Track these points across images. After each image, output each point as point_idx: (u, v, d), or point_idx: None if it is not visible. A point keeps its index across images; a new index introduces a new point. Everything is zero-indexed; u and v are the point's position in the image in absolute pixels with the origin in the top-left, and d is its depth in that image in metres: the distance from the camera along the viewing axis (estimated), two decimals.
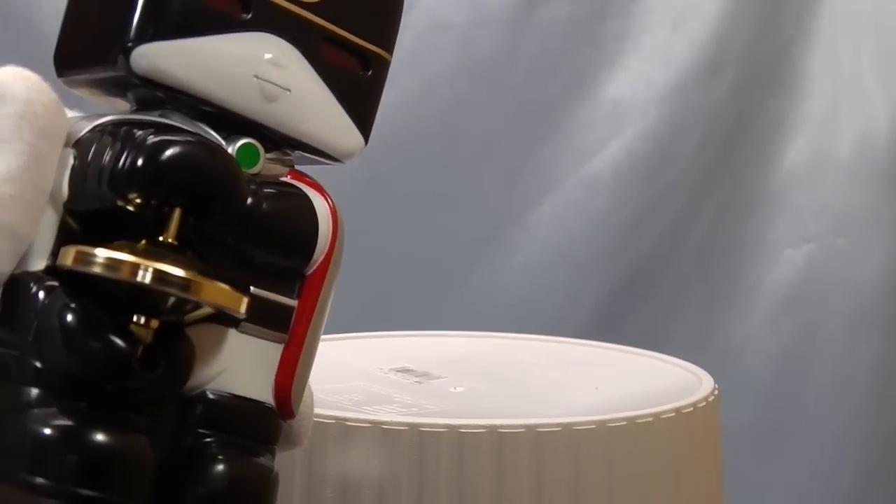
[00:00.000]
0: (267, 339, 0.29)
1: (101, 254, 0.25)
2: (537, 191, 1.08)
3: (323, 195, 0.30)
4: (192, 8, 0.27)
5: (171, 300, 0.26)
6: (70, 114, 0.28)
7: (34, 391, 0.26)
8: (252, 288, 0.28)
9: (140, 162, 0.26)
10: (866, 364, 1.06)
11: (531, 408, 0.40)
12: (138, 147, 0.26)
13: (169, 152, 0.26)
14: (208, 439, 0.27)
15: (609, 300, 1.10)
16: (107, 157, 0.26)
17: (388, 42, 0.31)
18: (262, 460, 0.28)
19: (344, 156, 0.31)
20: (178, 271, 0.25)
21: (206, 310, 0.27)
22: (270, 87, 0.28)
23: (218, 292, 0.26)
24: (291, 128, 0.29)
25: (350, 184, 1.04)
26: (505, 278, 1.08)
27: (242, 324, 0.28)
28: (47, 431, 0.25)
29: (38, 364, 0.26)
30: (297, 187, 0.29)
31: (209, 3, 0.28)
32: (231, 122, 0.28)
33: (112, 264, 0.25)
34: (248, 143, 0.28)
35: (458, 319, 0.96)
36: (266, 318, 0.29)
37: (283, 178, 0.29)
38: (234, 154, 0.28)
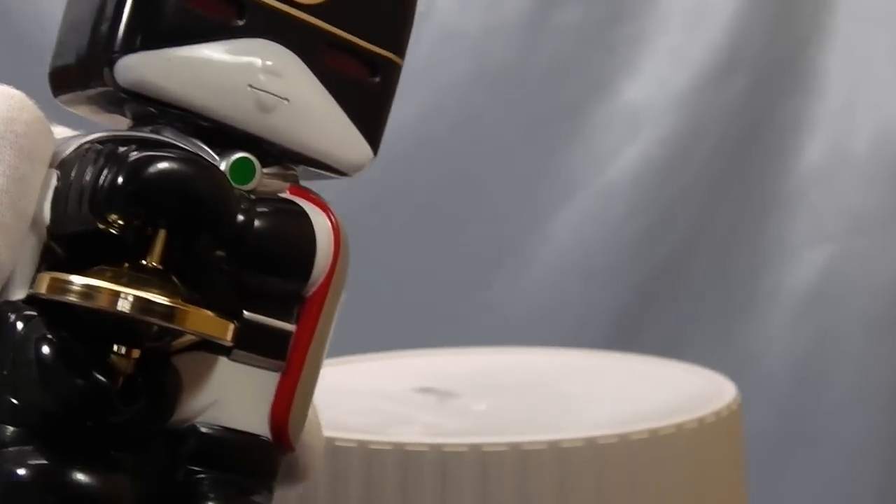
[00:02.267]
0: (263, 368, 0.26)
1: (77, 281, 0.24)
2: (554, 200, 1.08)
3: (325, 212, 0.27)
4: (182, 15, 0.26)
5: (154, 329, 0.24)
6: (60, 132, 0.27)
7: (10, 429, 0.24)
8: (246, 313, 0.26)
9: (120, 180, 0.24)
10: (888, 366, 1.05)
11: (553, 422, 0.40)
12: (119, 164, 0.24)
13: (151, 169, 0.24)
14: (200, 476, 0.25)
15: (628, 308, 1.09)
16: (87, 175, 0.25)
17: (400, 45, 0.29)
18: (259, 498, 0.26)
19: (350, 168, 0.28)
20: (160, 299, 0.24)
21: (191, 337, 0.25)
22: (266, 96, 0.26)
23: (204, 320, 0.24)
24: (291, 140, 0.27)
25: (364, 198, 1.05)
26: (523, 290, 1.08)
27: (235, 351, 0.26)
28: (22, 472, 0.24)
29: (13, 400, 0.24)
30: (295, 203, 0.27)
31: (199, 9, 0.26)
32: (227, 136, 0.26)
33: (88, 292, 0.23)
34: (243, 157, 0.26)
35: (477, 334, 0.96)
36: (261, 345, 0.26)
37: (283, 195, 0.27)
38: (226, 170, 0.26)
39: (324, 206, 0.27)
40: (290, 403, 0.27)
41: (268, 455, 0.26)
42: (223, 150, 0.26)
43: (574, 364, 0.50)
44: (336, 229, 0.27)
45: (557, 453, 0.34)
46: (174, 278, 0.24)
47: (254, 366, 0.26)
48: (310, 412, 0.28)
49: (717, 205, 1.10)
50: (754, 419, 0.84)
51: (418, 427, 0.38)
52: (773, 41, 1.09)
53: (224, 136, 0.26)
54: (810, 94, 1.08)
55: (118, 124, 0.27)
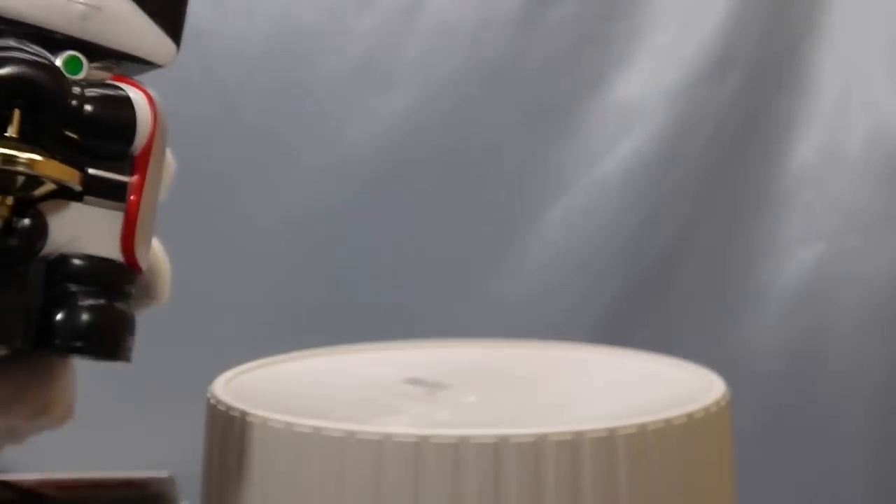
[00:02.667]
0: (110, 209, 0.36)
1: None
2: (547, 194, 1.08)
3: (142, 91, 0.37)
4: None
5: (20, 179, 0.34)
6: None
7: None
8: (90, 170, 0.35)
9: None
10: (880, 364, 1.05)
11: (543, 416, 0.40)
12: None
13: (5, 67, 0.34)
14: (71, 290, 0.35)
15: (619, 303, 1.10)
16: None
17: None
18: (119, 305, 0.36)
19: (159, 61, 0.38)
20: (22, 154, 0.33)
21: (49, 186, 0.35)
22: (82, 7, 0.36)
23: (54, 168, 0.34)
24: (107, 40, 0.36)
25: (358, 190, 1.05)
26: (515, 284, 1.08)
27: (86, 198, 0.36)
28: None
29: None
30: (117, 86, 0.36)
31: None
32: (60, 41, 0.36)
33: None
34: (72, 55, 0.36)
35: (468, 327, 0.96)
36: (106, 193, 0.36)
37: (106, 80, 0.36)
38: (61, 65, 0.36)
39: (141, 87, 0.37)
40: (133, 234, 0.36)
41: (121, 274, 0.36)
42: (57, 51, 0.36)
43: (564, 358, 0.50)
44: (151, 101, 0.36)
45: (546, 447, 0.34)
46: (30, 143, 0.33)
47: (103, 208, 0.36)
48: (157, 250, 0.39)
49: (710, 202, 1.10)
50: (744, 416, 0.84)
51: (407, 418, 0.38)
52: (766, 39, 1.09)
53: (57, 41, 0.36)
54: (803, 93, 1.08)
55: None
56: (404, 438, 0.34)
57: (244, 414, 0.37)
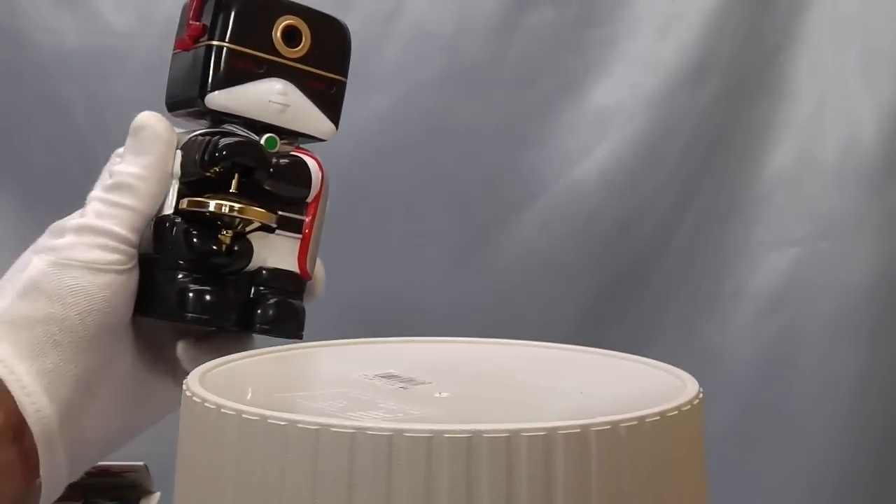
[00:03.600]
0: (290, 238, 0.56)
1: (205, 201, 0.53)
2: (523, 196, 1.08)
3: (314, 158, 0.56)
4: (234, 71, 0.54)
5: (238, 221, 0.53)
6: (177, 130, 0.55)
7: (178, 272, 0.53)
8: (280, 212, 0.55)
9: (214, 151, 0.53)
10: (850, 368, 1.06)
11: (516, 413, 0.40)
12: (214, 144, 0.53)
13: (229, 145, 0.53)
14: (264, 291, 0.55)
15: (593, 304, 1.10)
16: (198, 151, 0.53)
17: (344, 70, 0.58)
18: (296, 301, 0.56)
19: (324, 137, 0.58)
20: (238, 205, 0.53)
21: (255, 224, 0.54)
22: (279, 106, 0.55)
23: (260, 214, 0.54)
24: (293, 126, 0.56)
25: (337, 190, 1.05)
26: (489, 283, 1.08)
27: (277, 231, 0.55)
28: (183, 286, 0.53)
29: (180, 261, 0.53)
30: (298, 156, 0.56)
31: (242, 67, 0.54)
32: (262, 127, 0.55)
33: (209, 204, 0.53)
34: (270, 136, 0.55)
35: (443, 324, 0.95)
36: (289, 227, 0.56)
37: (291, 152, 0.56)
38: (263, 142, 0.55)
39: (313, 156, 0.56)
40: (306, 254, 0.56)
41: (297, 280, 0.56)
42: (260, 133, 0.55)
43: (539, 356, 0.50)
44: (320, 166, 0.56)
45: (519, 442, 0.34)
46: (244, 197, 0.53)
47: (286, 237, 0.56)
48: (318, 263, 0.57)
49: (685, 205, 1.10)
50: (717, 416, 0.85)
51: (381, 412, 0.38)
52: (743, 47, 1.10)
53: (261, 127, 0.55)
54: (779, 100, 1.09)
55: (200, 125, 0.56)
56: (378, 432, 0.34)
57: (219, 406, 0.37)
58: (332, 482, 0.34)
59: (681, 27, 1.09)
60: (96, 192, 0.54)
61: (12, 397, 0.50)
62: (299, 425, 0.35)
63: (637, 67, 1.09)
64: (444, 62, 1.09)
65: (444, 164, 1.08)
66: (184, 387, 0.40)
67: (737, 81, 1.10)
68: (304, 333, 0.56)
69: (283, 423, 0.35)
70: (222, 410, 0.37)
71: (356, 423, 0.34)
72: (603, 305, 1.10)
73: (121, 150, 0.56)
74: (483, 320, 1.06)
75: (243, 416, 0.36)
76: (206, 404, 0.38)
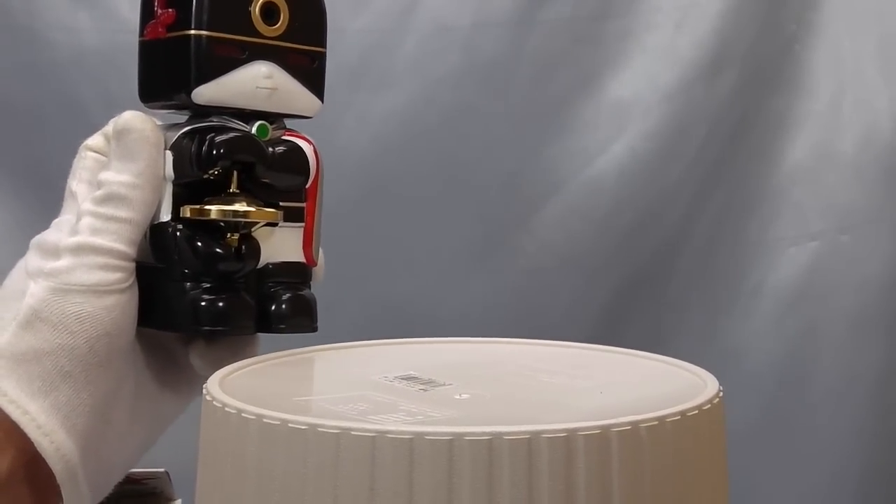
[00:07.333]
0: (294, 227, 0.53)
1: (207, 207, 0.50)
2: (541, 193, 1.08)
3: (306, 140, 0.53)
4: (215, 60, 0.50)
5: (242, 223, 0.51)
6: (157, 123, 0.52)
7: (186, 282, 0.50)
8: (281, 203, 0.53)
9: (211, 150, 0.50)
10: (871, 362, 1.06)
11: (536, 414, 0.40)
12: (210, 143, 0.50)
13: (226, 143, 0.50)
14: (274, 286, 0.53)
15: (613, 302, 1.10)
16: (193, 151, 0.50)
17: (324, 41, 0.54)
18: (306, 292, 0.54)
19: (311, 114, 0.54)
20: (242, 208, 0.50)
21: (261, 223, 0.52)
22: (267, 91, 0.52)
23: (265, 214, 0.51)
24: (282, 108, 0.53)
25: (354, 189, 1.05)
26: (509, 282, 1.08)
27: (280, 223, 0.52)
28: (194, 298, 0.50)
29: (185, 270, 0.51)
30: (292, 141, 0.53)
31: (223, 54, 0.50)
32: (250, 114, 0.52)
33: (209, 211, 0.50)
34: (261, 123, 0.52)
35: (462, 325, 0.95)
36: (291, 217, 0.53)
37: (283, 137, 0.53)
38: (254, 131, 0.52)
39: (305, 137, 0.53)
40: (310, 241, 0.54)
41: (304, 270, 0.54)
42: (249, 121, 0.52)
43: (558, 356, 0.50)
44: (314, 148, 0.53)
45: (539, 443, 0.34)
46: (245, 195, 0.51)
47: (289, 227, 0.53)
48: (320, 251, 0.55)
49: (703, 201, 1.10)
50: (738, 414, 0.85)
51: (401, 415, 0.38)
52: (760, 39, 1.09)
53: (248, 114, 0.52)
54: (797, 93, 1.09)
55: (179, 115, 0.53)
56: (399, 435, 0.34)
57: (239, 411, 0.37)
58: (353, 486, 0.34)
59: (697, 18, 1.09)
60: (88, 206, 0.50)
61: (23, 434, 0.47)
62: (320, 429, 0.35)
63: (654, 60, 1.09)
64: (461, 58, 1.09)
65: (462, 161, 1.08)
66: (204, 391, 0.40)
67: (753, 73, 1.09)
68: (321, 332, 0.53)
69: (303, 427, 0.35)
70: (243, 415, 0.37)
71: (377, 427, 0.34)
72: (622, 303, 1.10)
73: (90, 141, 0.53)
74: (502, 320, 1.06)
75: (264, 420, 0.36)
76: (226, 409, 0.38)
